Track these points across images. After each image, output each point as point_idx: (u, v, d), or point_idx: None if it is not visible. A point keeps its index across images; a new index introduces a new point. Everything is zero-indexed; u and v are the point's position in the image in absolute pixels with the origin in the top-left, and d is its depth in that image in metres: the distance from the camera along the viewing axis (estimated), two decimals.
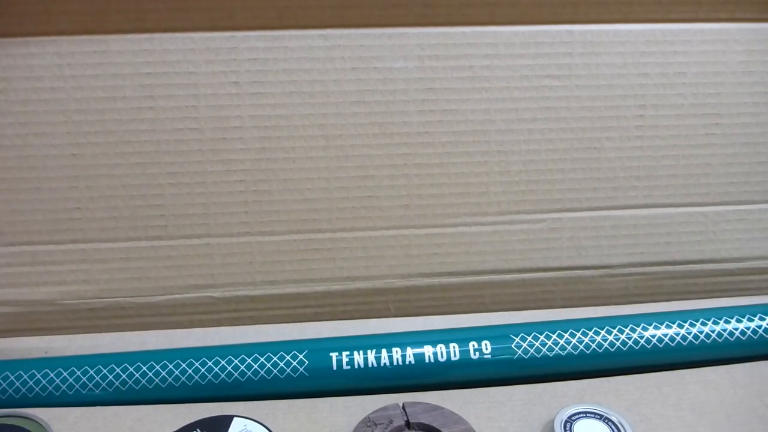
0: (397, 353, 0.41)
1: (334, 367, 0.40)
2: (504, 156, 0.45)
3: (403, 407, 0.38)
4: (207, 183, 0.44)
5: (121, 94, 0.42)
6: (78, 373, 0.40)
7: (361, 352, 0.41)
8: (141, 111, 0.43)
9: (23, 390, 0.39)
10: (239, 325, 0.46)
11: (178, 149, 0.43)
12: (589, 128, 0.45)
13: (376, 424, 0.37)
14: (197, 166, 0.43)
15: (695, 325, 0.42)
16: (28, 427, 0.36)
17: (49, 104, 0.42)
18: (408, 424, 0.37)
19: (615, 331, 0.42)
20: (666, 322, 0.42)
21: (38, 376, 0.40)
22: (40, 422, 0.36)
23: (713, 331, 0.42)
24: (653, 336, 0.42)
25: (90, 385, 0.40)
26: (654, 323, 0.42)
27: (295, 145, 0.44)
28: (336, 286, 0.46)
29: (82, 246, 0.44)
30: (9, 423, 0.36)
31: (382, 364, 0.41)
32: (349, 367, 0.40)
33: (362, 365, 0.40)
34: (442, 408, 0.38)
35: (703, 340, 0.42)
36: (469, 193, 0.45)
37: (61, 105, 0.42)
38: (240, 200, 0.44)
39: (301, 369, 0.40)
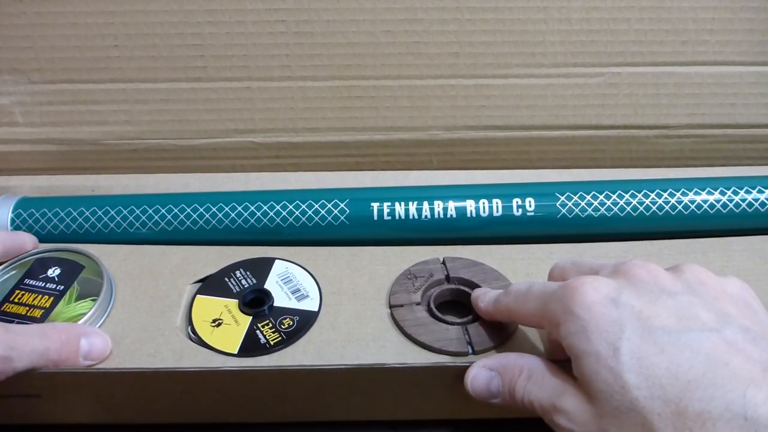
0: (438, 206, 0.40)
1: (375, 217, 0.41)
2: (566, 1, 0.41)
3: (444, 262, 0.39)
4: (247, 22, 0.41)
5: None
6: (125, 212, 0.41)
7: (402, 203, 0.40)
8: None
9: (73, 226, 0.41)
10: (280, 171, 0.46)
11: None
12: None
13: (416, 277, 0.38)
14: (236, 4, 0.41)
15: (751, 192, 0.41)
16: (81, 262, 0.38)
17: None
18: (448, 278, 0.38)
19: (665, 195, 0.40)
20: (720, 188, 0.41)
21: (87, 213, 0.41)
22: (92, 257, 0.38)
23: None
24: (704, 201, 0.40)
25: (136, 224, 0.41)
26: (707, 188, 0.40)
27: None
28: (378, 136, 0.45)
29: (122, 86, 0.43)
30: (63, 257, 0.38)
31: (423, 217, 0.40)
32: (390, 217, 0.40)
33: (403, 216, 0.40)
34: (482, 264, 0.38)
35: (757, 208, 0.40)
36: (524, 42, 0.42)
37: None
38: (281, 42, 0.42)
39: (342, 218, 0.41)
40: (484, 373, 0.30)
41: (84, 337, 0.33)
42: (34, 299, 0.36)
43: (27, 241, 0.38)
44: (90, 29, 0.42)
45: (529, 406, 0.28)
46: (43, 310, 0.35)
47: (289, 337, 0.34)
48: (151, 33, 0.42)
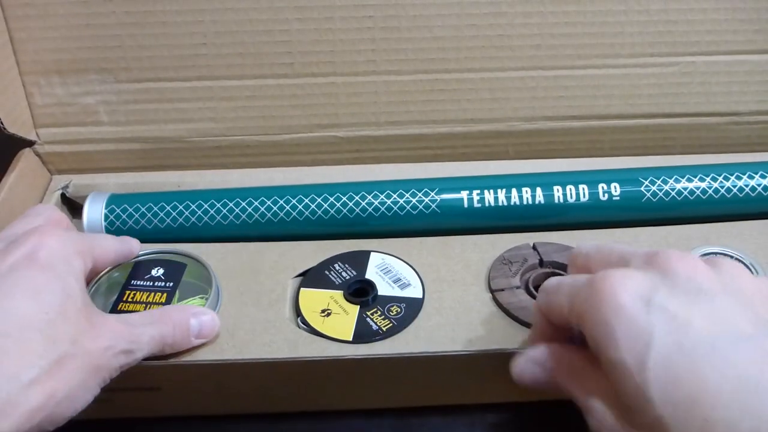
0: (526, 193, 0.42)
1: (465, 205, 0.42)
2: None
3: (534, 247, 0.40)
4: (335, 18, 0.42)
5: None
6: (218, 205, 0.42)
7: (491, 191, 0.42)
8: None
9: (167, 220, 0.42)
10: (361, 164, 0.47)
11: None
12: None
13: (511, 263, 0.39)
14: (325, 1, 0.42)
15: None
16: (182, 261, 0.38)
17: None
18: (542, 262, 0.39)
19: (745, 177, 0.42)
20: None
21: (180, 207, 0.42)
22: (193, 256, 0.38)
23: None
24: None
25: (230, 217, 0.42)
26: None
27: None
28: (458, 128, 0.46)
29: (209, 83, 0.44)
30: (163, 258, 0.38)
31: (512, 203, 0.42)
32: (480, 205, 0.42)
33: (492, 204, 0.42)
34: (572, 247, 0.39)
35: None
36: (604, 33, 0.43)
37: None
38: (367, 37, 0.43)
39: (433, 206, 0.42)
40: (529, 366, 0.29)
41: (193, 317, 0.33)
42: (148, 296, 0.36)
43: (135, 246, 0.37)
44: (179, 28, 0.42)
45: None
46: (160, 306, 0.36)
47: (400, 323, 0.36)
48: (239, 30, 0.42)
